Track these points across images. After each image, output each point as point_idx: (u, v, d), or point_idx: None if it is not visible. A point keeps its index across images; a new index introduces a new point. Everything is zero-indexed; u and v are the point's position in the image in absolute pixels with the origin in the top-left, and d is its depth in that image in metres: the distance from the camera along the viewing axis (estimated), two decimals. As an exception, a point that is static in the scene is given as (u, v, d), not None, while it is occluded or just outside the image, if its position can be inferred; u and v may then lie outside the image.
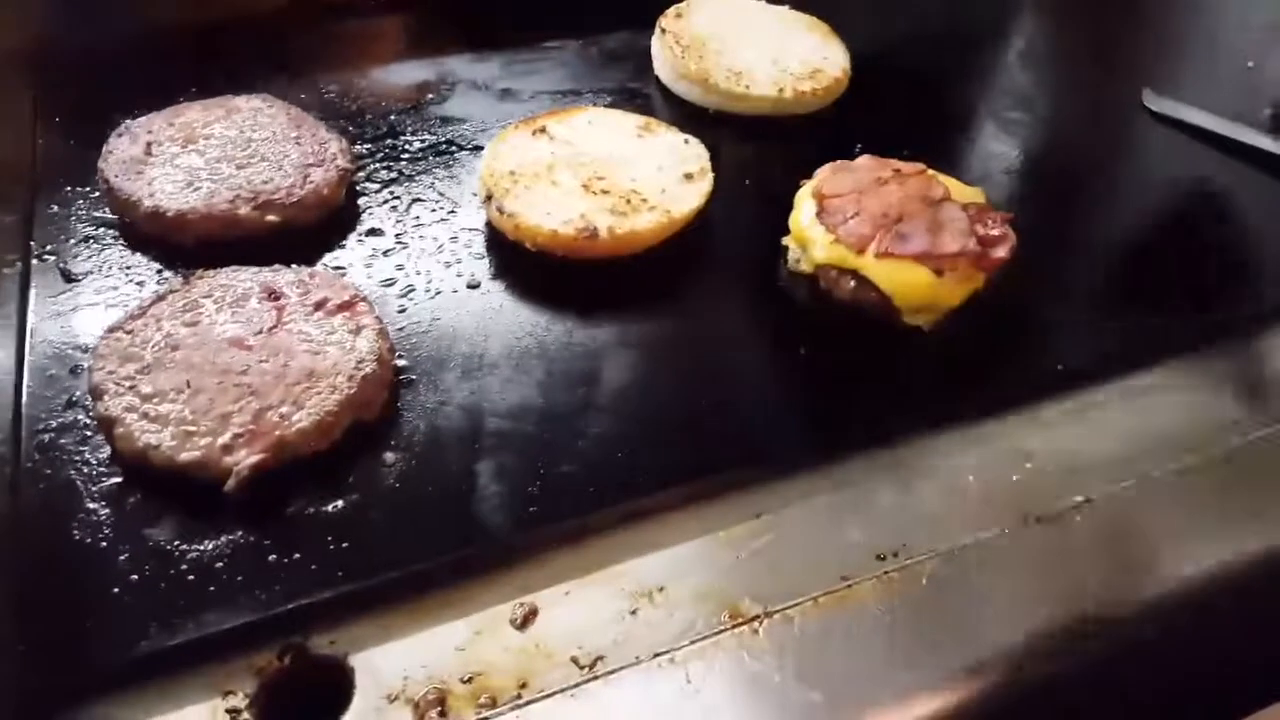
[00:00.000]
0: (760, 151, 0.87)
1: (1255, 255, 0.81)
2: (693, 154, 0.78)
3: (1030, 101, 0.97)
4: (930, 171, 0.76)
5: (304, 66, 0.89)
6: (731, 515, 0.58)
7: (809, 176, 0.78)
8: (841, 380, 0.67)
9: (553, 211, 0.70)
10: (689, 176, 0.75)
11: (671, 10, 0.95)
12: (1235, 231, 0.83)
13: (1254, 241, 0.82)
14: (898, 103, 0.94)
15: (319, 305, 0.63)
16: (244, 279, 0.64)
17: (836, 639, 0.52)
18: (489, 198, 0.72)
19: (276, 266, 0.65)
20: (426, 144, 0.82)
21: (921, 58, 1.01)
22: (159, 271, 0.68)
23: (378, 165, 0.80)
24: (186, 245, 0.69)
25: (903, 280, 0.68)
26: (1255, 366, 0.71)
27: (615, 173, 0.75)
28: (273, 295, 0.62)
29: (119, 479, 0.55)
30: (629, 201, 0.72)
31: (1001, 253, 0.70)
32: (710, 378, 0.66)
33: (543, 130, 0.79)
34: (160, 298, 0.62)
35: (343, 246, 0.72)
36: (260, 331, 0.60)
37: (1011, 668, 0.52)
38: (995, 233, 0.70)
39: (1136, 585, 0.56)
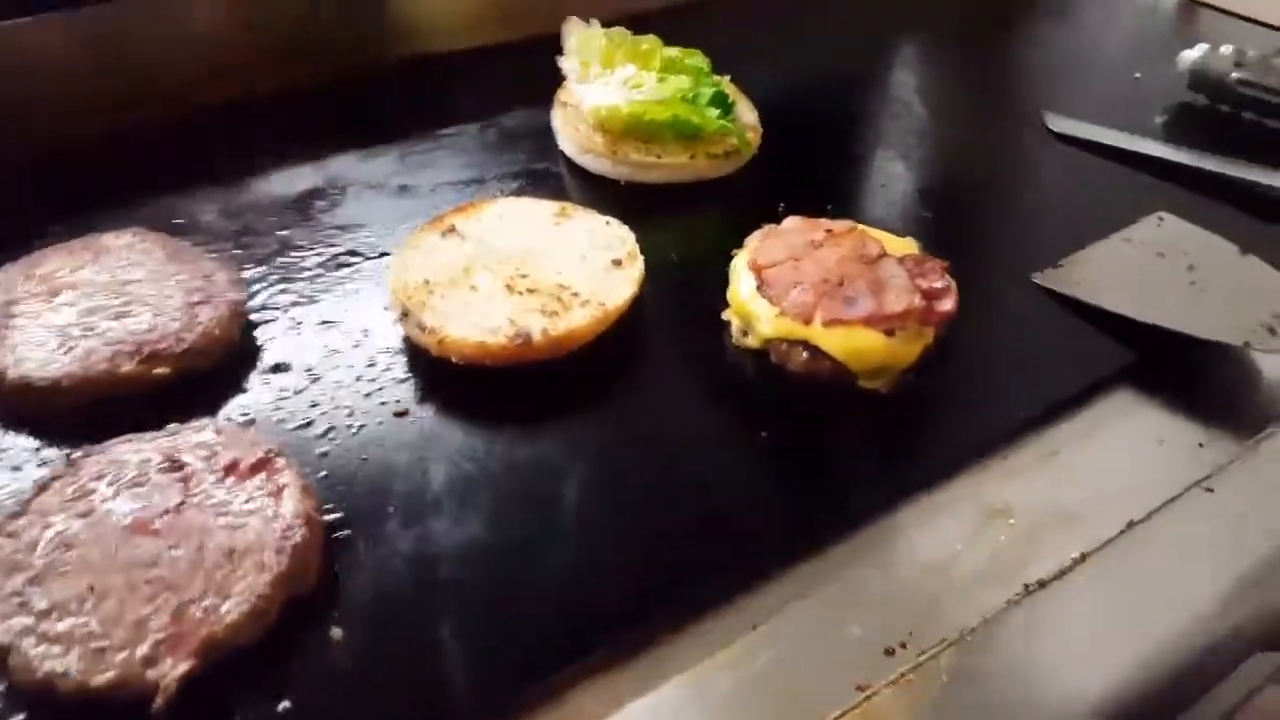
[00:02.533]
0: (682, 222, 0.84)
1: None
2: (616, 237, 0.74)
3: (934, 137, 0.97)
4: (860, 227, 0.75)
5: (175, 186, 0.83)
6: (726, 633, 0.54)
7: (737, 244, 0.76)
8: (809, 462, 0.64)
9: (477, 320, 0.66)
10: (617, 263, 0.72)
11: (566, 84, 0.92)
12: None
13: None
14: (810, 156, 0.93)
15: (229, 469, 0.56)
16: (138, 450, 0.57)
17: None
18: (405, 314, 0.67)
19: (173, 427, 0.59)
20: (325, 258, 0.77)
21: (823, 106, 1.01)
22: (36, 451, 0.61)
23: (273, 290, 0.74)
24: (64, 416, 0.62)
25: (855, 346, 0.66)
26: (1208, 379, 0.71)
27: (538, 268, 0.71)
28: (174, 465, 0.56)
29: (21, 716, 0.48)
30: (559, 299, 0.68)
31: (948, 305, 0.68)
32: (673, 482, 0.62)
33: (452, 229, 0.74)
34: (43, 487, 0.55)
35: (245, 390, 0.66)
36: (166, 511, 0.53)
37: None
38: (938, 285, 0.69)
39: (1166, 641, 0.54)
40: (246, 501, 0.55)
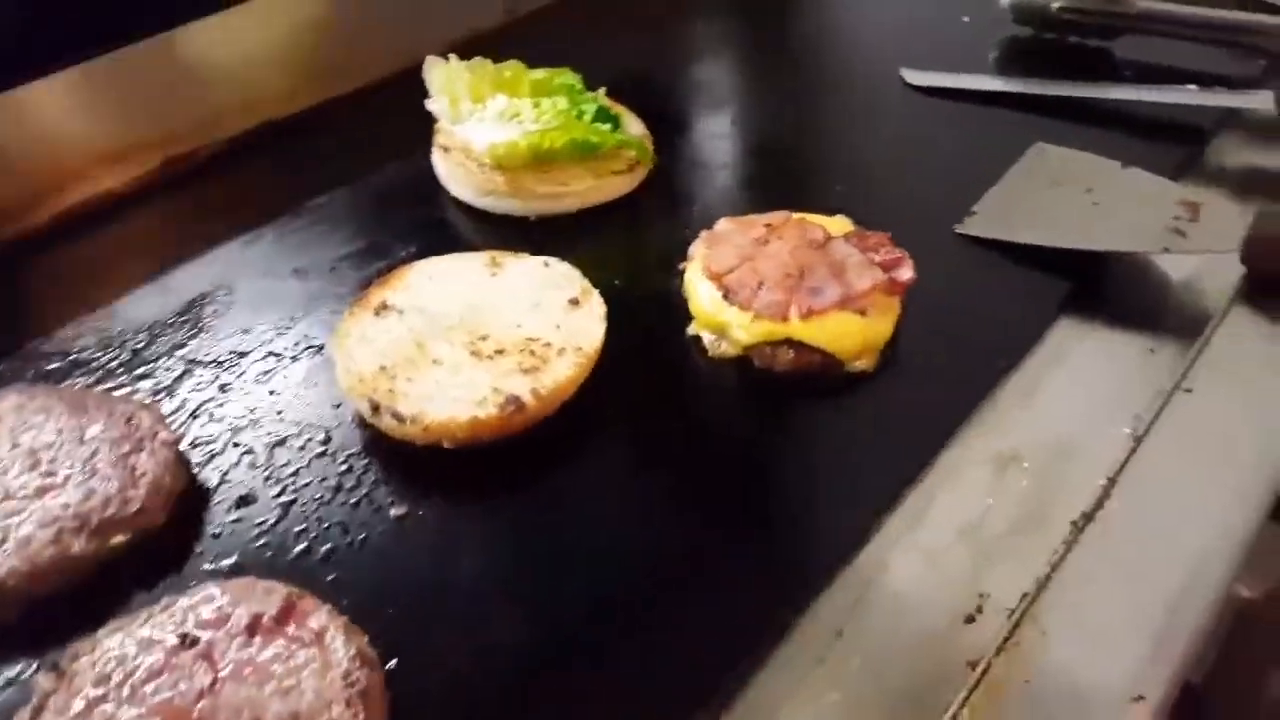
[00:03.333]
0: (608, 246, 0.82)
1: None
2: (561, 275, 0.72)
3: (811, 111, 1.00)
4: (795, 215, 0.75)
5: (42, 321, 0.73)
6: (814, 648, 0.53)
7: (670, 255, 0.75)
8: (827, 455, 0.64)
9: (458, 396, 0.61)
10: (574, 302, 0.69)
11: (440, 127, 0.88)
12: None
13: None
14: (701, 152, 0.93)
15: (252, 628, 0.50)
16: (135, 636, 0.49)
17: None
18: (375, 408, 0.61)
19: (165, 601, 0.51)
20: (243, 369, 0.70)
21: (689, 102, 1.01)
22: (-5, 676, 0.52)
23: (202, 419, 0.66)
24: (13, 622, 0.53)
25: (836, 332, 0.67)
26: (1138, 289, 0.77)
27: (495, 325, 0.67)
28: (188, 641, 0.49)
29: None
30: (533, 353, 0.64)
31: (907, 273, 0.70)
32: (710, 512, 0.60)
33: (385, 306, 0.69)
34: (37, 711, 0.46)
35: (217, 536, 0.58)
36: (200, 696, 0.47)
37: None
38: (894, 255, 0.71)
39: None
40: (287, 659, 0.48)
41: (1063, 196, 0.82)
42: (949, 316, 0.73)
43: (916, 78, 1.02)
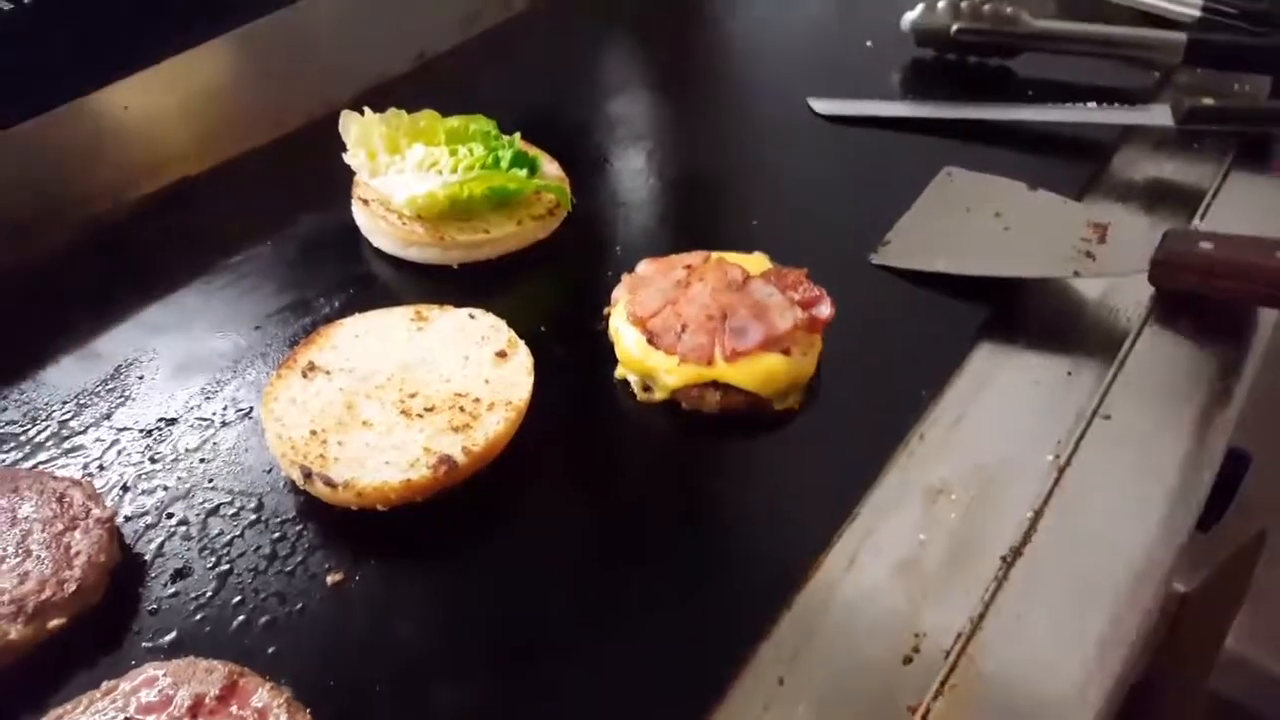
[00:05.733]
0: (530, 292, 0.85)
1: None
2: (488, 327, 0.74)
3: (716, 144, 1.04)
4: (714, 255, 0.79)
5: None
6: (758, 697, 0.56)
7: (592, 298, 0.79)
8: (760, 498, 0.68)
9: (390, 459, 0.64)
10: (501, 354, 0.72)
11: (359, 180, 0.90)
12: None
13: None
14: (615, 192, 0.97)
15: (195, 710, 0.52)
16: (78, 723, 0.51)
17: None
18: (308, 475, 0.64)
19: (105, 685, 0.53)
20: (173, 438, 0.71)
21: (601, 143, 1.04)
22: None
23: (133, 493, 0.67)
24: (-50, 713, 0.54)
25: (761, 373, 0.70)
26: (1052, 313, 0.82)
27: (424, 382, 0.70)
28: (132, 726, 0.51)
29: None
30: (463, 409, 0.67)
31: (826, 310, 0.74)
32: (648, 563, 0.63)
33: (312, 367, 0.71)
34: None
35: (155, 612, 0.60)
36: (147, 782, 0.49)
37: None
38: (813, 294, 0.75)
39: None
40: (233, 739, 0.51)
41: (973, 222, 0.87)
42: (870, 348, 0.77)
43: (824, 106, 1.07)
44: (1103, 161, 0.99)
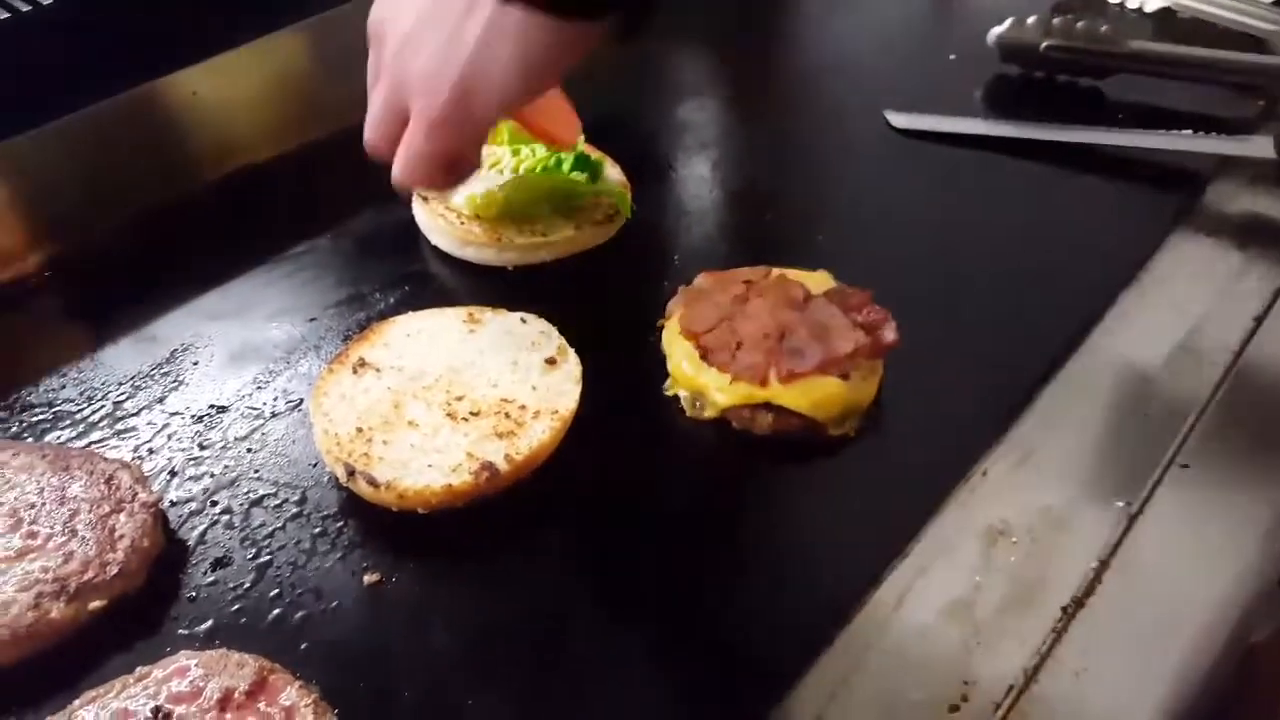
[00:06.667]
0: (585, 298, 0.84)
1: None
2: (538, 333, 0.74)
3: (791, 157, 1.03)
4: (776, 271, 0.78)
5: (14, 375, 0.76)
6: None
7: (649, 307, 0.78)
8: (810, 527, 0.67)
9: (433, 462, 0.64)
10: (551, 361, 0.72)
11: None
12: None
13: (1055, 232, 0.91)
14: (681, 201, 0.96)
15: (224, 704, 0.52)
16: (109, 707, 0.52)
17: None
18: (351, 473, 0.64)
19: (139, 671, 0.54)
20: (223, 425, 0.72)
21: (670, 149, 1.04)
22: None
23: (180, 477, 0.69)
24: (-10, 689, 0.56)
25: (817, 397, 0.69)
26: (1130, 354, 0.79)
27: (471, 386, 0.70)
28: (161, 715, 0.51)
29: None
30: (507, 415, 0.67)
31: (890, 335, 0.72)
32: (687, 587, 0.62)
33: (363, 363, 0.72)
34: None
35: (194, 600, 0.61)
36: (171, 775, 0.50)
37: None
38: (875, 316, 0.73)
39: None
40: (259, 735, 0.51)
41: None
42: (935, 376, 0.75)
43: (901, 120, 1.05)
44: (1196, 193, 0.96)
